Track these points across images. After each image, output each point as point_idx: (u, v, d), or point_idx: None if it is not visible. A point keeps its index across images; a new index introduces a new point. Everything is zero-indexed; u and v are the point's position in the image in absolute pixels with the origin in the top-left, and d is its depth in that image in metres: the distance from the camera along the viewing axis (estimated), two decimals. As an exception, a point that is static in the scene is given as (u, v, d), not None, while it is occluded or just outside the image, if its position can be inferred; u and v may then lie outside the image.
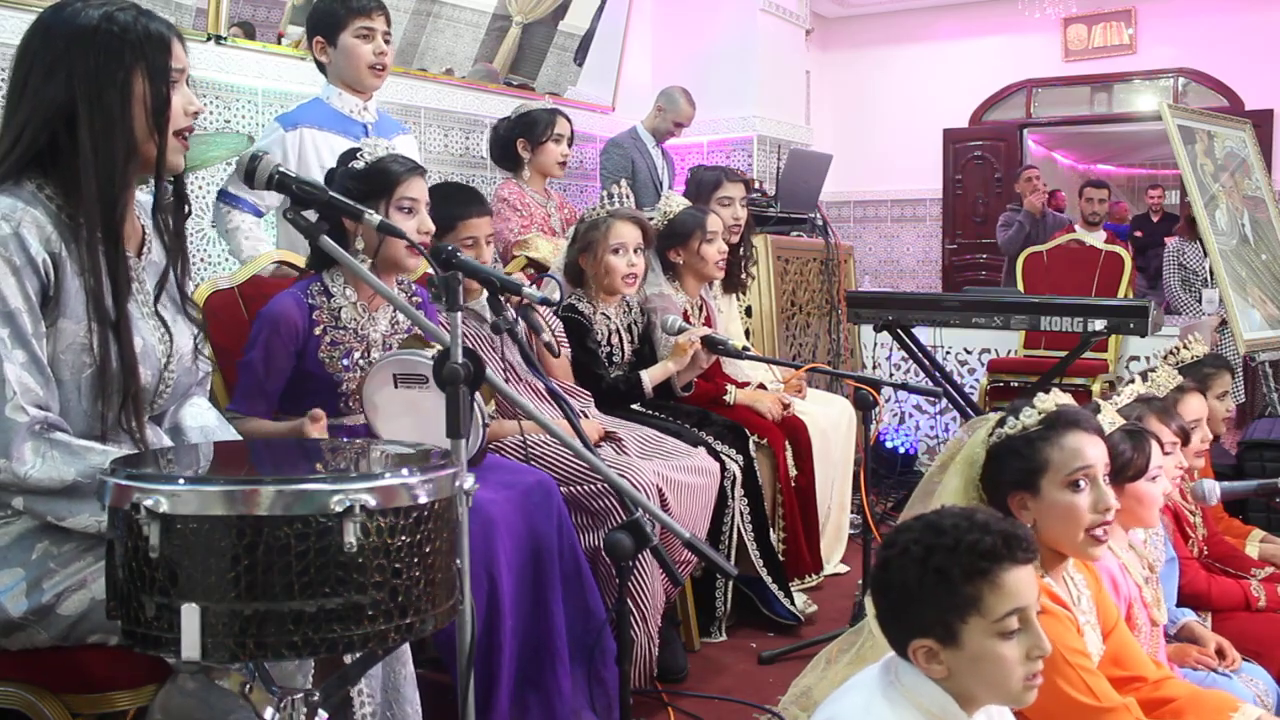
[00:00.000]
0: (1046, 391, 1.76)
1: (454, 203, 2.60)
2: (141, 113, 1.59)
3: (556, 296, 2.70)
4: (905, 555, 1.35)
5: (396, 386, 1.97)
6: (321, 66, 3.08)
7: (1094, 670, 1.64)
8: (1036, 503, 1.70)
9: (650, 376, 3.14)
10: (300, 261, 2.55)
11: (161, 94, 1.60)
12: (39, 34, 1.59)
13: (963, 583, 1.31)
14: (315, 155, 2.95)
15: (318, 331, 2.23)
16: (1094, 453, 1.70)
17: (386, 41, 3.04)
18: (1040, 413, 1.71)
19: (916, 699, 1.36)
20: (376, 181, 2.27)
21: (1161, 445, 2.06)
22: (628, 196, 3.22)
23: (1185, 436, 2.26)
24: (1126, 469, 1.91)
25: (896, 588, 1.36)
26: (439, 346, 1.93)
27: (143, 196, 1.74)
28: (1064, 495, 1.68)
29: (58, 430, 1.54)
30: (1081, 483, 1.69)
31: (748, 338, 4.32)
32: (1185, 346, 2.78)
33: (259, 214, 3.02)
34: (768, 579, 3.16)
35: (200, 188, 3.76)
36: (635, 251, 3.13)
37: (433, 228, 2.33)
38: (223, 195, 3.00)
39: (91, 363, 1.57)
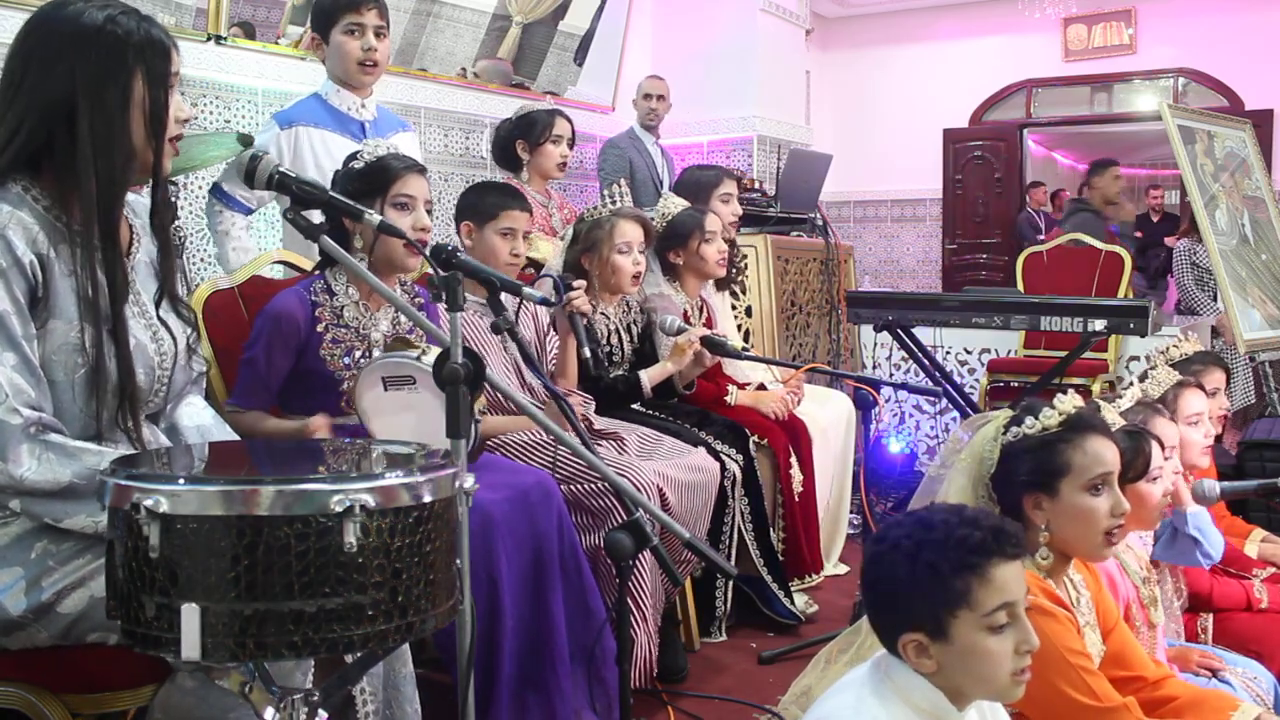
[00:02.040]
0: (1047, 392, 1.75)
1: (499, 193, 2.84)
2: (140, 117, 1.58)
3: (555, 296, 2.70)
4: (896, 550, 1.36)
5: (386, 390, 1.97)
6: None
7: (1095, 671, 1.64)
8: (1053, 504, 1.68)
9: (650, 377, 3.14)
10: (300, 261, 2.56)
11: (160, 100, 1.60)
12: (37, 30, 1.57)
13: (952, 577, 1.32)
14: (311, 153, 2.95)
15: (320, 329, 2.23)
16: (1112, 457, 1.70)
17: (379, 36, 3.00)
18: (1061, 414, 1.70)
19: (908, 696, 1.36)
20: (373, 179, 2.27)
21: (1163, 446, 2.06)
22: (625, 196, 3.22)
23: None
24: (1126, 470, 1.90)
25: (887, 581, 1.37)
26: (423, 347, 1.94)
27: (130, 196, 1.73)
28: (1084, 499, 1.67)
29: (53, 431, 1.54)
30: (1101, 487, 1.68)
31: (747, 339, 4.32)
32: (1176, 345, 2.77)
33: (248, 211, 3.02)
34: (768, 579, 3.16)
35: (200, 188, 3.76)
36: (639, 250, 3.13)
37: (430, 225, 2.32)
38: (216, 191, 3.00)
39: (84, 363, 1.57)
